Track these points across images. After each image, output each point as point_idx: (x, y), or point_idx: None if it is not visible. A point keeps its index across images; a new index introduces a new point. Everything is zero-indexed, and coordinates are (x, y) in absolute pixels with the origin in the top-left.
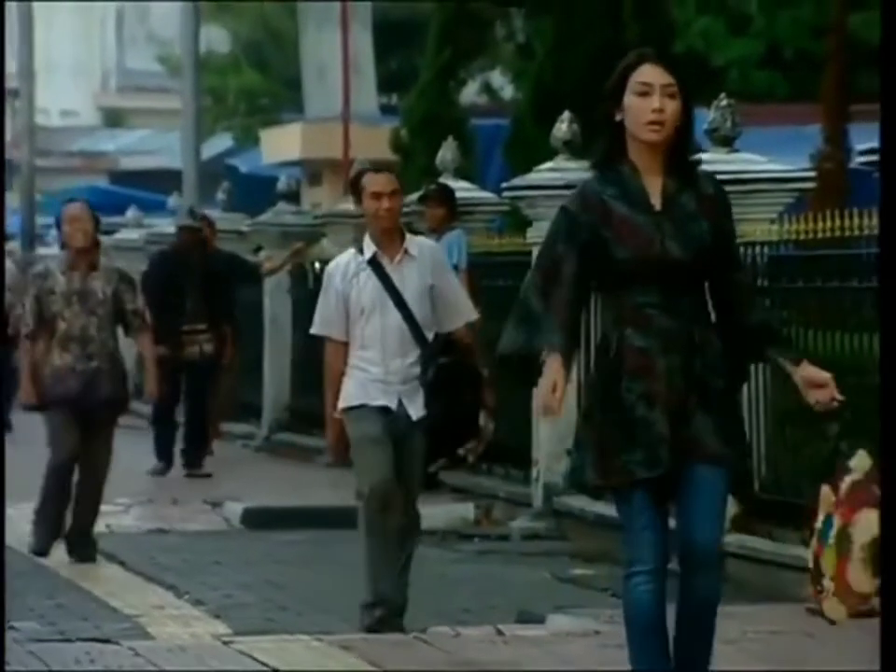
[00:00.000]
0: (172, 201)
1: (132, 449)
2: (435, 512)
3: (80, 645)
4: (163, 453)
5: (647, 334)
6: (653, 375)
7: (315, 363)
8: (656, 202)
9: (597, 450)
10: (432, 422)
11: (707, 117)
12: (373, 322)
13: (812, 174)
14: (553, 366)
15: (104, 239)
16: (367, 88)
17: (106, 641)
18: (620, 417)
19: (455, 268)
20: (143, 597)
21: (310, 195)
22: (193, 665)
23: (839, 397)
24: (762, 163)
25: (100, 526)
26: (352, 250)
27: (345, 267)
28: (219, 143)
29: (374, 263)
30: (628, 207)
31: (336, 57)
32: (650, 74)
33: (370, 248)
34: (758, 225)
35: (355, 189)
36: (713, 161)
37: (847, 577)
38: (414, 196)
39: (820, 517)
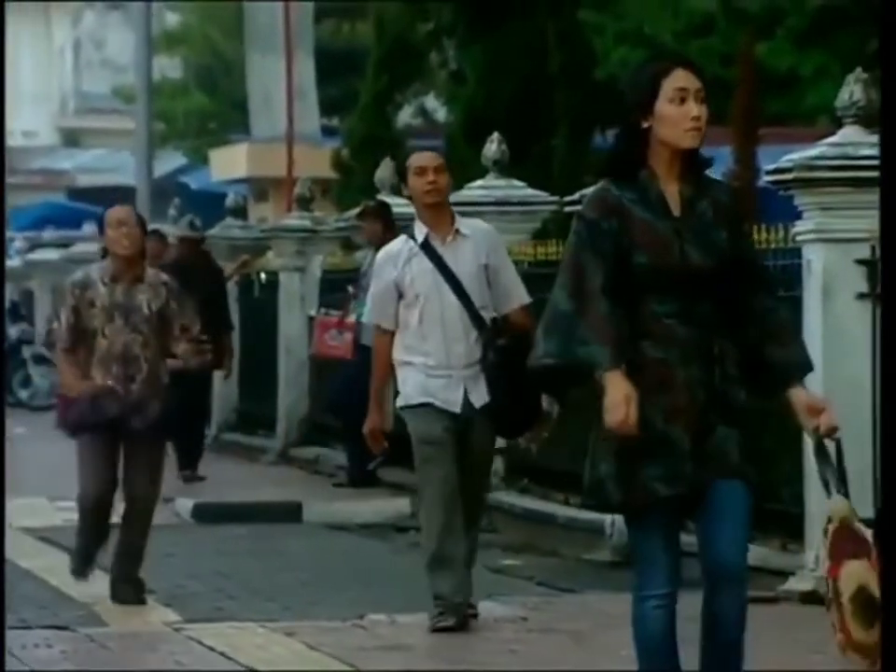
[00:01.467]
0: None
1: None
2: (373, 507)
3: (39, 631)
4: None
5: (666, 345)
6: (674, 388)
7: (260, 366)
8: (675, 208)
9: (617, 466)
10: (495, 408)
11: None
12: (431, 306)
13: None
14: (615, 380)
15: (60, 252)
16: (310, 111)
17: (64, 628)
18: (641, 432)
19: None
20: (97, 587)
21: (256, 211)
22: (145, 651)
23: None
24: None
25: (57, 521)
26: (403, 236)
27: (397, 254)
28: (171, 161)
29: (426, 246)
30: (647, 212)
31: (280, 82)
32: (684, 79)
33: (420, 231)
34: None
35: (403, 175)
36: None
37: (850, 632)
38: (354, 212)
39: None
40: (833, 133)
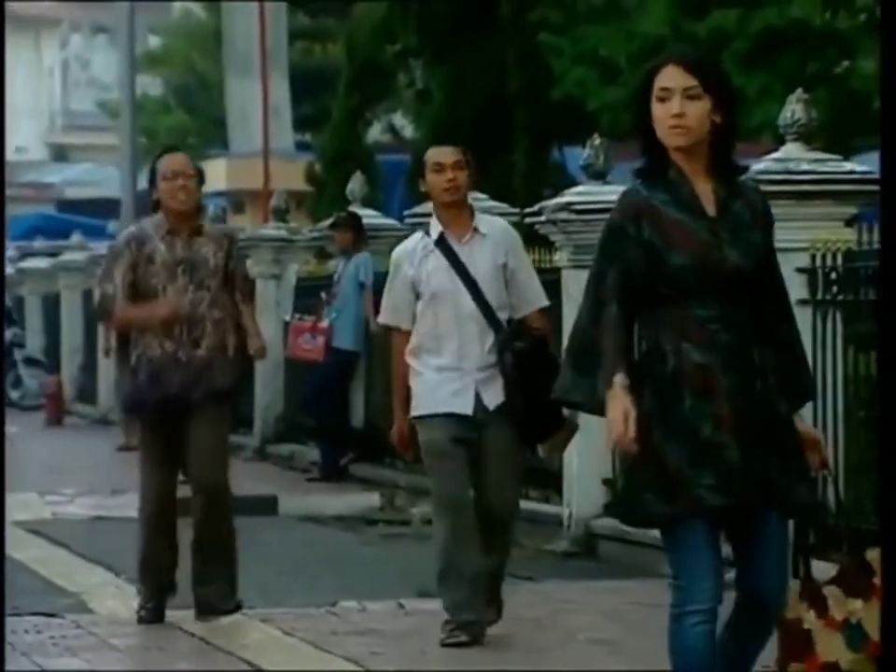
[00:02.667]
0: (111, 226)
1: (76, 443)
2: (344, 501)
3: (30, 618)
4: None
5: (707, 350)
6: (718, 396)
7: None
8: (709, 207)
9: (660, 476)
10: (513, 412)
11: (582, 154)
12: (445, 306)
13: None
14: (615, 396)
15: (49, 260)
16: (284, 127)
17: (53, 615)
18: (686, 440)
19: (362, 286)
20: (85, 576)
21: (234, 221)
22: (129, 636)
23: (830, 464)
24: None
25: (47, 515)
26: (419, 233)
27: (412, 252)
28: None
29: (442, 243)
30: (681, 212)
31: (257, 100)
32: (669, 77)
33: (436, 228)
34: None
35: (421, 171)
36: (588, 192)
37: None
38: (327, 223)
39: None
40: (776, 150)
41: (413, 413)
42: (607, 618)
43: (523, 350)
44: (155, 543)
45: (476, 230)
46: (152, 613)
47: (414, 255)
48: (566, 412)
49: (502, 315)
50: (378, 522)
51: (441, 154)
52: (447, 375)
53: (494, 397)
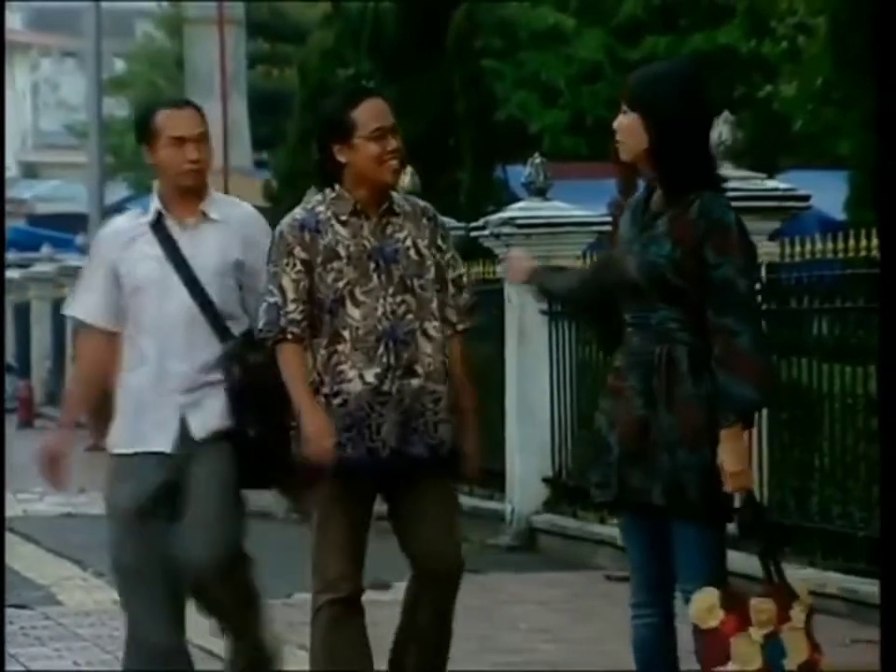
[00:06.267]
0: (79, 239)
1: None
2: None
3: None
4: None
5: (623, 353)
6: (620, 397)
7: None
8: (642, 223)
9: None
10: (239, 443)
11: (523, 172)
12: (150, 304)
13: (609, 219)
14: None
15: (20, 272)
16: (243, 146)
17: (23, 607)
18: (592, 437)
19: None
20: (54, 570)
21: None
22: (96, 627)
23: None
24: (569, 210)
25: (18, 512)
26: (137, 210)
27: (119, 231)
28: (119, 191)
29: (158, 226)
30: (632, 227)
31: (217, 120)
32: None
33: (155, 207)
34: (567, 262)
35: (143, 132)
36: (529, 208)
37: None
38: None
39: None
40: None
41: (111, 448)
42: (547, 608)
43: (257, 365)
44: (343, 649)
45: (204, 213)
46: None
47: (121, 235)
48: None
49: (233, 323)
50: None
51: (182, 121)
52: (146, 406)
53: (205, 424)
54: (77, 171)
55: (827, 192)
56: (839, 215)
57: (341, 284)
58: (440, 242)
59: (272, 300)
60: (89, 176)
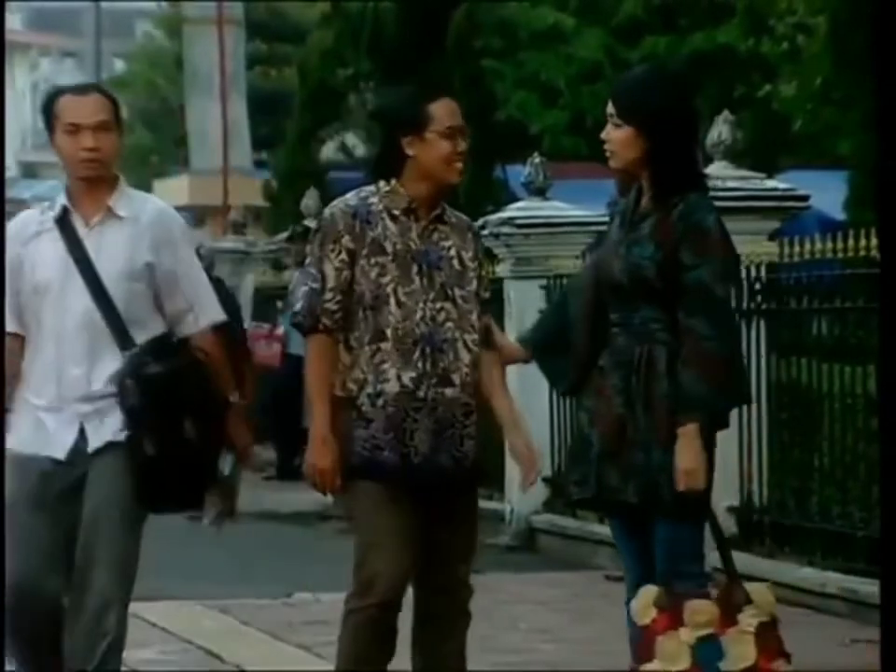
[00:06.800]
0: None
1: None
2: (299, 498)
3: None
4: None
5: (608, 353)
6: (602, 395)
7: None
8: (622, 226)
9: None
10: (140, 461)
11: (523, 172)
12: (51, 306)
13: (608, 218)
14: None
15: None
16: (243, 146)
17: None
18: (576, 434)
19: None
20: None
21: (195, 236)
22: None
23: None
24: (568, 210)
25: None
26: (45, 204)
27: (24, 225)
28: None
29: (63, 222)
30: (620, 229)
31: (217, 121)
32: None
33: (61, 202)
34: (566, 261)
35: (45, 118)
36: (529, 208)
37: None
38: (282, 236)
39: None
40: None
41: (12, 447)
42: (546, 608)
43: (157, 377)
44: (375, 648)
45: (111, 210)
46: None
47: (27, 229)
48: (225, 466)
49: (137, 330)
50: (331, 518)
51: (80, 108)
52: (45, 412)
53: (102, 435)
54: None
55: (827, 192)
56: (839, 215)
57: (384, 280)
58: (481, 258)
59: (313, 285)
60: None
